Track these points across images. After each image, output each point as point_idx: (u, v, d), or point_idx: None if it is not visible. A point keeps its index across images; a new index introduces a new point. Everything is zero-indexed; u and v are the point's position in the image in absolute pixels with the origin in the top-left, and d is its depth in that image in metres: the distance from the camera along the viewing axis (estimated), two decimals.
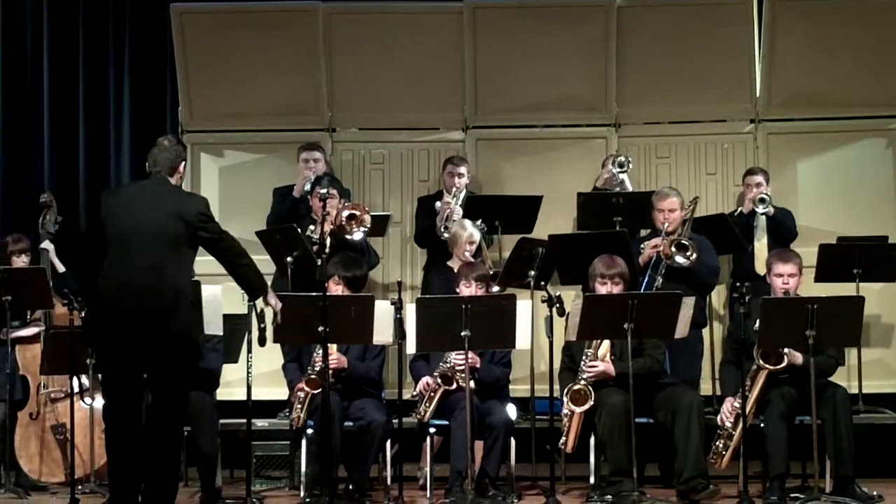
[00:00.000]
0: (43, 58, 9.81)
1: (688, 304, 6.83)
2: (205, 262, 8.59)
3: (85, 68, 9.81)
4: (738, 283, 7.02)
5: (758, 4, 8.98)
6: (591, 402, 6.78)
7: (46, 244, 7.97)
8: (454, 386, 6.96)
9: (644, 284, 7.50)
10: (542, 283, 7.62)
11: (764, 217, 8.41)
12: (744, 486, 6.85)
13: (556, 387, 7.13)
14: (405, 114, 9.26)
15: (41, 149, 9.78)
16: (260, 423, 7.86)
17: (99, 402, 6.77)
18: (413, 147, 9.33)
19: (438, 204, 8.44)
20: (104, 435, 6.17)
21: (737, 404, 6.85)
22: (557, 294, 7.11)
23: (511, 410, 7.15)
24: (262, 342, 6.78)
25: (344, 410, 6.94)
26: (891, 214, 8.96)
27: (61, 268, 8.09)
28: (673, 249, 7.55)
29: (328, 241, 7.23)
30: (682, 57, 9.04)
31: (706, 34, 9.03)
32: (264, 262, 7.87)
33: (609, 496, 6.73)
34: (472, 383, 6.79)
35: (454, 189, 8.48)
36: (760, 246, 8.38)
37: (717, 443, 6.95)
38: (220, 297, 6.85)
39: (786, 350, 6.78)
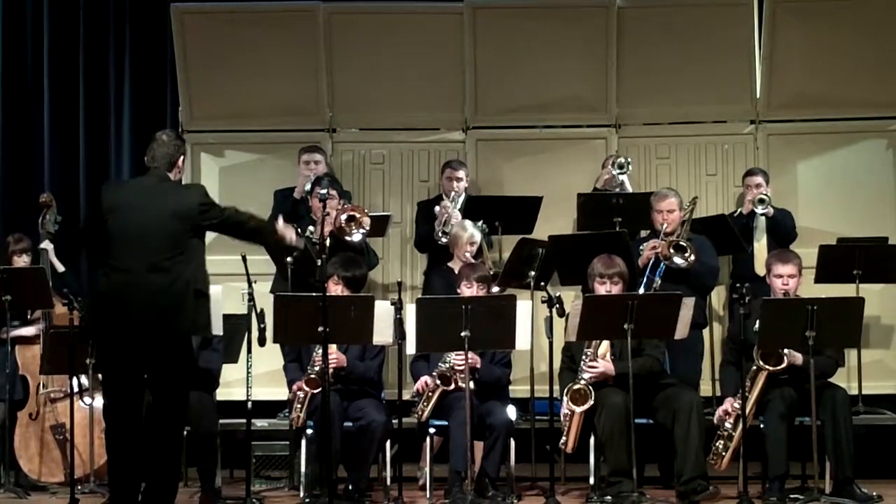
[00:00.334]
0: (43, 58, 9.80)
1: (688, 305, 6.83)
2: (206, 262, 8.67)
3: (85, 68, 9.81)
4: (737, 284, 7.03)
5: (758, 5, 8.98)
6: (591, 402, 6.78)
7: (46, 244, 7.96)
8: (452, 386, 6.96)
9: (643, 286, 7.49)
10: (542, 283, 7.62)
11: (763, 218, 8.42)
12: (743, 486, 6.85)
13: (557, 387, 7.13)
14: (405, 114, 9.26)
15: (41, 149, 9.78)
16: (260, 424, 7.86)
17: (98, 401, 6.77)
18: (413, 147, 9.33)
19: (437, 209, 8.44)
20: (104, 435, 6.17)
21: (736, 405, 6.85)
22: (557, 295, 7.11)
23: (511, 412, 7.14)
24: (261, 342, 6.81)
25: (344, 411, 6.95)
26: (891, 215, 8.97)
27: (61, 268, 8.10)
28: (671, 251, 7.55)
29: (328, 242, 7.24)
30: (682, 58, 9.04)
31: (706, 35, 9.02)
32: (264, 263, 7.90)
33: (609, 497, 6.73)
34: (471, 384, 6.78)
35: (453, 193, 8.47)
36: (760, 247, 8.39)
37: (717, 443, 6.95)
38: (219, 298, 6.83)
39: (786, 351, 6.78)
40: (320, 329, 6.38)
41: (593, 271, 7.09)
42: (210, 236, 9.05)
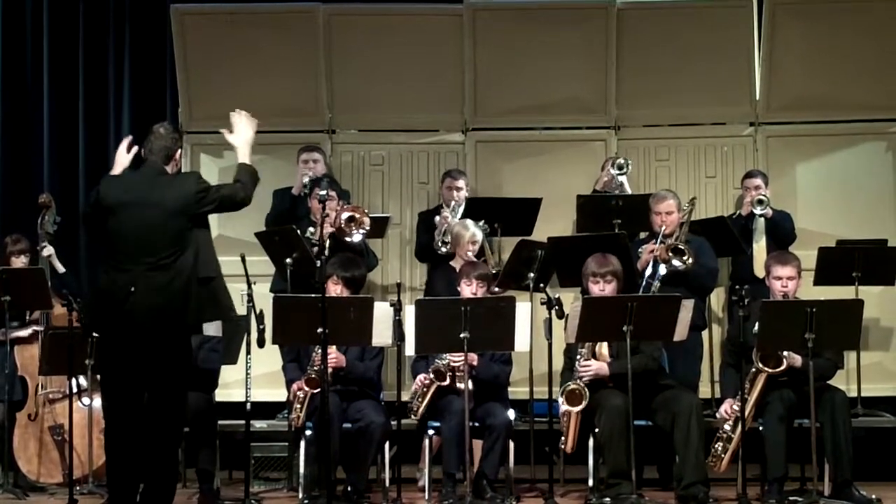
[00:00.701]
0: (43, 58, 9.80)
1: (687, 307, 6.84)
2: None
3: (85, 69, 9.81)
4: (737, 286, 7.03)
5: (757, 7, 8.98)
6: (586, 402, 6.77)
7: (45, 245, 7.95)
8: (447, 382, 6.95)
9: (642, 289, 7.49)
10: (542, 285, 7.62)
11: (763, 219, 8.42)
12: (742, 488, 6.86)
13: (556, 389, 7.12)
14: (405, 115, 9.26)
15: (41, 150, 9.78)
16: (259, 425, 7.86)
17: (97, 402, 6.77)
18: (413, 149, 9.33)
19: (437, 219, 8.44)
20: (103, 435, 6.16)
21: (736, 407, 6.85)
22: (557, 296, 7.11)
23: (510, 413, 7.14)
24: (261, 343, 6.81)
25: (343, 412, 6.95)
26: (890, 218, 8.97)
27: (60, 268, 8.09)
28: (669, 254, 7.55)
29: (327, 242, 7.24)
30: (681, 59, 9.04)
31: (706, 37, 9.03)
32: (264, 263, 7.90)
33: (607, 498, 6.73)
34: (469, 384, 6.78)
35: (453, 203, 8.47)
36: (759, 248, 8.39)
37: (716, 445, 6.94)
38: None
39: (785, 353, 6.78)
40: (319, 330, 6.38)
41: (587, 270, 7.09)
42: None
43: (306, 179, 8.30)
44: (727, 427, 6.92)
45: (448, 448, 6.85)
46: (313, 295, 6.51)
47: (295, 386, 7.05)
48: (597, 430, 6.84)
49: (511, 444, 7.02)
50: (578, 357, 6.91)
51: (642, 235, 8.11)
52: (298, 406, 6.98)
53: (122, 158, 6.35)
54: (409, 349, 6.84)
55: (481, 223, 8.06)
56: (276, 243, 7.90)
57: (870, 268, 8.02)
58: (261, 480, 7.88)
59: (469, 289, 7.19)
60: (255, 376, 7.05)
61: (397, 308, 6.83)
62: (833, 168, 9.14)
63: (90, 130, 9.82)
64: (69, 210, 8.81)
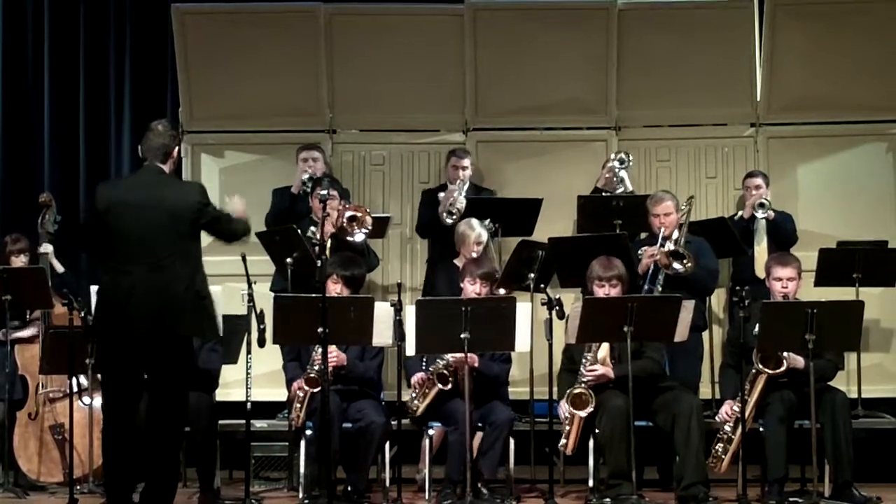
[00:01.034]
0: (44, 58, 9.81)
1: (687, 308, 6.83)
2: (205, 263, 8.65)
3: (85, 68, 9.81)
4: (737, 287, 7.02)
5: (758, 8, 8.98)
6: (592, 407, 6.77)
7: (45, 244, 7.95)
8: (450, 386, 6.95)
9: (643, 294, 7.48)
10: (542, 285, 7.61)
11: (764, 221, 8.42)
12: (743, 489, 6.86)
13: (556, 389, 7.12)
14: (406, 115, 9.26)
15: (41, 149, 9.78)
16: (259, 424, 7.86)
17: (97, 402, 6.76)
18: (413, 149, 9.33)
19: (442, 194, 8.45)
20: (101, 434, 6.16)
21: (736, 408, 6.85)
22: (557, 297, 7.10)
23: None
24: (261, 343, 6.80)
25: (343, 412, 6.95)
26: (891, 219, 8.97)
27: (60, 268, 8.09)
28: (670, 259, 7.54)
29: (329, 242, 7.24)
30: (682, 60, 9.04)
31: (707, 37, 9.03)
32: (264, 263, 7.90)
33: (608, 499, 6.73)
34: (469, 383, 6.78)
35: (458, 181, 8.50)
36: (760, 250, 8.39)
37: (717, 446, 6.94)
38: (219, 298, 6.83)
39: (785, 354, 6.78)
40: (320, 330, 6.38)
41: (592, 273, 7.09)
42: (209, 237, 9.13)
43: (305, 177, 8.30)
44: (727, 428, 6.92)
45: (454, 454, 6.84)
46: (314, 295, 6.51)
47: (295, 385, 7.05)
48: (597, 430, 6.84)
49: (511, 444, 7.02)
50: (584, 361, 6.90)
51: (643, 236, 8.11)
52: (298, 406, 6.98)
53: None
54: (410, 349, 6.84)
55: (486, 222, 8.05)
56: (276, 243, 7.90)
57: (870, 269, 8.02)
58: (261, 480, 7.88)
59: (472, 288, 7.18)
60: (255, 376, 7.05)
61: (398, 308, 6.83)
62: (834, 169, 9.14)
63: (91, 129, 9.82)
64: (69, 210, 8.80)
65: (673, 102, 9.14)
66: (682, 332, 6.82)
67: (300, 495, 7.03)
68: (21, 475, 7.60)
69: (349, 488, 6.92)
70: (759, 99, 9.12)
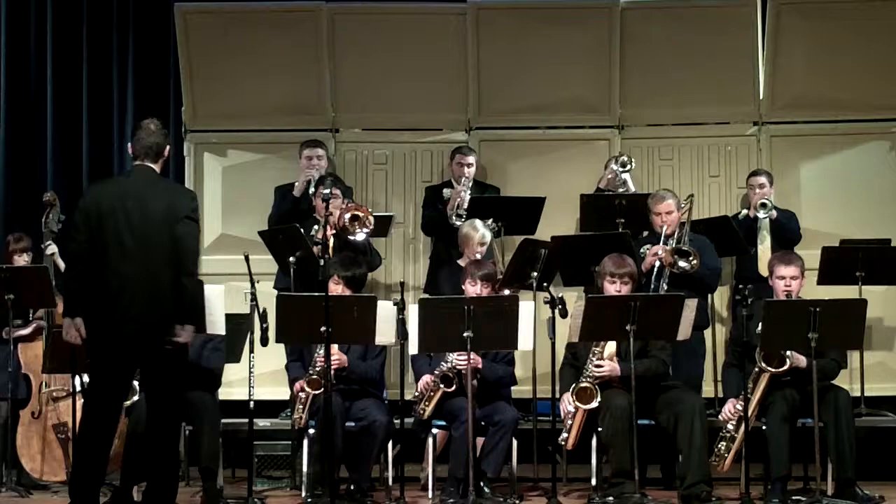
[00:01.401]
0: (47, 57, 9.81)
1: (690, 307, 6.83)
2: (208, 262, 8.69)
3: (88, 67, 9.82)
4: (740, 286, 7.02)
5: (761, 7, 8.97)
6: (598, 402, 6.77)
7: (50, 243, 7.95)
8: (454, 388, 6.96)
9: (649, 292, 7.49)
10: (545, 284, 7.62)
11: (767, 219, 8.42)
12: (745, 488, 6.86)
13: (558, 386, 7.11)
14: (408, 114, 9.26)
15: (44, 148, 9.79)
16: (262, 423, 7.87)
17: None
18: (416, 148, 9.33)
19: (447, 192, 8.46)
20: (78, 434, 6.09)
21: (739, 406, 6.85)
22: (560, 295, 7.10)
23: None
24: (264, 342, 6.81)
25: (346, 411, 6.94)
26: (894, 217, 8.95)
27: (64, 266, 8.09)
28: (675, 257, 7.54)
29: (331, 241, 7.24)
30: (685, 59, 9.04)
31: (710, 36, 9.02)
32: (267, 262, 7.91)
33: (610, 498, 6.72)
34: (473, 383, 6.78)
35: (463, 179, 8.51)
36: (764, 248, 8.39)
37: (720, 445, 6.94)
38: (222, 297, 6.84)
39: (788, 353, 6.77)
40: (323, 329, 6.38)
41: (604, 270, 7.07)
42: (212, 236, 9.16)
43: (303, 178, 8.30)
44: (730, 426, 6.91)
45: (459, 453, 6.84)
46: (317, 293, 6.51)
47: (297, 386, 7.05)
48: (600, 429, 6.83)
49: (514, 443, 7.02)
50: (591, 357, 6.90)
51: (644, 234, 8.11)
52: (301, 407, 6.97)
53: None
54: (413, 348, 6.84)
55: (489, 222, 8.05)
56: (279, 241, 7.91)
57: (873, 267, 8.02)
58: (264, 479, 7.90)
59: (473, 289, 7.18)
60: (258, 375, 7.05)
61: (401, 307, 6.83)
62: (837, 168, 9.14)
63: (94, 128, 9.83)
64: (72, 209, 8.78)
65: (676, 101, 9.13)
66: (684, 331, 6.81)
67: (303, 494, 7.02)
68: (24, 474, 7.60)
69: (352, 487, 6.92)
70: (762, 97, 9.11)
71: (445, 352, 6.97)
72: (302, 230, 7.86)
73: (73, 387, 7.29)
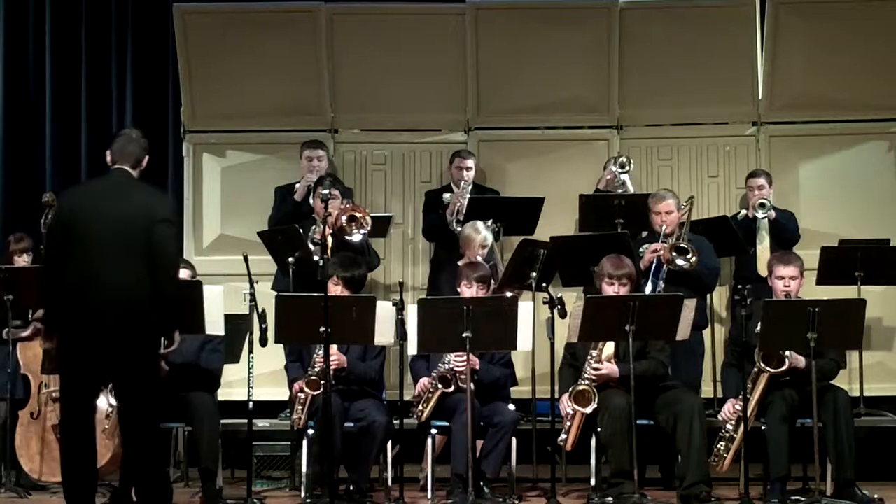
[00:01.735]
0: (45, 57, 9.80)
1: (689, 307, 6.83)
2: (207, 262, 8.69)
3: (87, 68, 9.81)
4: (739, 286, 7.02)
5: (760, 7, 8.98)
6: (595, 404, 6.77)
7: None
8: (452, 388, 6.96)
9: (647, 288, 7.48)
10: (544, 284, 7.62)
11: (766, 220, 8.42)
12: (745, 488, 6.87)
13: (558, 387, 7.11)
14: (407, 115, 9.26)
15: (43, 149, 9.78)
16: (261, 424, 7.87)
17: (101, 401, 6.73)
18: (415, 148, 9.33)
19: (447, 197, 8.46)
20: (60, 441, 6.03)
21: (738, 406, 6.85)
22: (559, 296, 7.10)
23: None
24: (263, 342, 6.80)
25: (345, 411, 6.95)
26: (893, 217, 8.95)
27: None
28: (673, 254, 7.55)
29: (330, 242, 7.24)
30: (684, 59, 9.04)
31: (708, 36, 9.02)
32: (266, 262, 7.90)
33: (610, 498, 6.72)
34: (471, 384, 6.78)
35: (462, 182, 8.51)
36: (763, 248, 8.39)
37: (719, 445, 6.94)
38: (221, 298, 6.84)
39: (787, 353, 6.77)
40: (322, 329, 6.38)
41: (602, 271, 7.08)
42: (211, 236, 9.16)
43: (304, 183, 8.31)
44: (729, 427, 6.91)
45: (458, 449, 6.84)
46: (316, 294, 6.51)
47: (296, 387, 7.05)
48: (599, 429, 6.84)
49: (514, 444, 7.02)
50: (589, 359, 6.90)
51: (643, 234, 8.11)
52: (300, 408, 6.97)
53: None
54: (412, 348, 6.84)
55: (489, 223, 8.04)
56: (278, 242, 7.91)
57: (872, 267, 8.01)
58: (263, 480, 7.90)
59: (469, 291, 7.18)
60: (257, 375, 7.05)
61: (399, 307, 6.82)
62: (836, 168, 9.14)
63: (93, 129, 9.81)
64: None
65: (674, 101, 9.13)
66: (683, 331, 6.81)
67: (302, 495, 7.03)
68: (23, 475, 7.59)
69: (351, 487, 6.92)
70: (760, 97, 9.11)
71: (444, 352, 6.98)
72: (301, 230, 7.86)
73: None
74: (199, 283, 6.82)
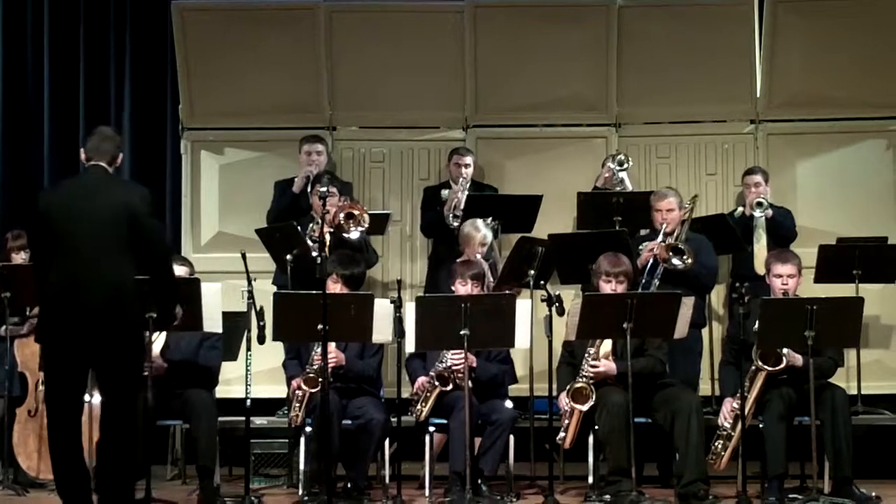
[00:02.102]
0: (44, 55, 9.80)
1: (687, 304, 6.83)
2: (205, 260, 8.69)
3: (86, 65, 9.80)
4: (737, 284, 7.02)
5: (758, 5, 8.98)
6: (593, 402, 6.77)
7: None
8: (450, 387, 6.96)
9: (641, 287, 7.48)
10: (542, 282, 7.62)
11: (763, 218, 8.42)
12: (742, 486, 6.86)
13: (555, 384, 7.12)
14: (406, 112, 9.26)
15: (41, 146, 9.77)
16: (259, 421, 7.86)
17: (97, 399, 6.73)
18: (413, 146, 9.33)
19: (445, 193, 8.45)
20: (48, 437, 6.00)
21: (736, 405, 6.85)
22: (557, 293, 7.11)
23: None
24: (261, 340, 6.80)
25: (343, 409, 6.95)
26: (890, 215, 8.97)
27: None
28: (669, 253, 7.55)
29: (328, 239, 7.23)
30: (682, 57, 9.04)
31: (707, 34, 9.02)
32: (264, 260, 7.90)
33: (607, 496, 6.73)
34: (469, 382, 6.78)
35: (461, 179, 8.51)
36: (760, 246, 8.39)
37: (716, 443, 6.95)
38: (219, 295, 6.84)
39: (785, 351, 6.77)
40: (320, 327, 6.38)
41: (599, 269, 7.08)
42: (209, 233, 9.16)
43: (303, 174, 8.30)
44: (727, 424, 6.92)
45: (456, 447, 6.84)
46: (314, 291, 6.51)
47: (294, 384, 7.05)
48: (597, 427, 6.84)
49: (511, 441, 7.02)
50: (587, 356, 6.90)
51: (643, 233, 8.11)
52: (297, 405, 6.97)
53: None
54: (410, 346, 6.84)
55: (489, 220, 8.04)
56: (276, 239, 7.90)
57: (870, 265, 8.03)
58: (261, 477, 7.89)
59: (464, 289, 7.19)
60: (255, 373, 7.04)
61: (398, 305, 6.82)
62: (834, 166, 9.14)
63: (91, 127, 9.59)
64: None
65: (673, 99, 9.14)
66: (681, 329, 6.82)
67: (300, 492, 7.03)
68: (20, 472, 7.59)
69: (349, 485, 6.92)
70: (758, 96, 9.11)
71: (442, 350, 6.98)
72: (299, 228, 7.86)
73: None
74: (197, 281, 6.82)
